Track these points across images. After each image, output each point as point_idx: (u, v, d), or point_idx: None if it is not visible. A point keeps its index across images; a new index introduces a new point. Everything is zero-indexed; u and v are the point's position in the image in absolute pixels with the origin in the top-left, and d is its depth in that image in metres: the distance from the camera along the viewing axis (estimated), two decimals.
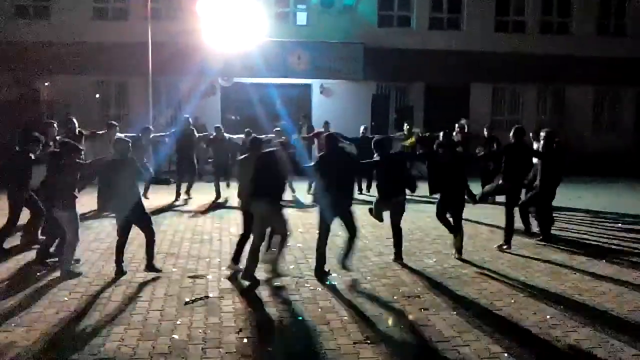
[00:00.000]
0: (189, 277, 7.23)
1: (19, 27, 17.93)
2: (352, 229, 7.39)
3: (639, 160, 19.13)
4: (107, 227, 10.00)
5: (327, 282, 7.07)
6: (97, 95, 18.98)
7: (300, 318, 5.92)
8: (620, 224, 11.03)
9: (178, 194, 12.91)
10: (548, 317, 6.02)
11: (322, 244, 7.38)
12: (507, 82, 20.75)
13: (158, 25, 16.48)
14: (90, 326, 5.57)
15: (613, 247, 9.21)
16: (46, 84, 18.34)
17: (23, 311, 5.93)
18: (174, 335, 5.39)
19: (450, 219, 8.24)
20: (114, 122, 12.30)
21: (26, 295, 6.40)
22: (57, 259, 7.53)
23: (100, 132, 11.88)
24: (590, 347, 5.28)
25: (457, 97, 20.29)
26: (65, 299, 6.33)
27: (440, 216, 8.26)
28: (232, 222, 10.22)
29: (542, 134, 9.55)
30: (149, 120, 15.75)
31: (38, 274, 7.22)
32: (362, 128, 14.50)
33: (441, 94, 20.03)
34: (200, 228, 10.11)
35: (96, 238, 9.19)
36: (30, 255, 7.92)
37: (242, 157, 8.12)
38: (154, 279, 7.07)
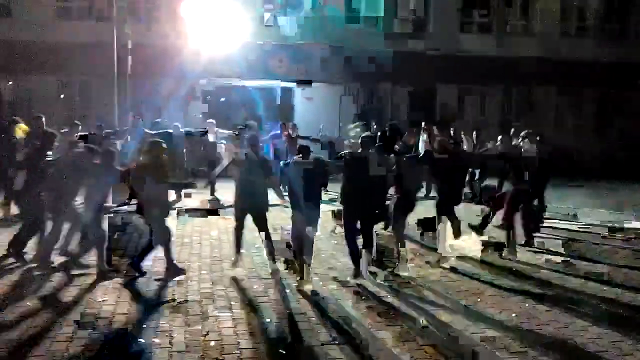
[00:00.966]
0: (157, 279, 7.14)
1: None
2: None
3: (600, 161, 19.58)
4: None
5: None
6: (61, 96, 18.63)
7: (268, 320, 5.91)
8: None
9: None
10: (513, 315, 6.12)
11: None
12: (472, 84, 21.02)
13: (138, 26, 16.27)
14: (52, 331, 5.47)
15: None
16: (9, 83, 17.96)
17: None
18: (141, 339, 5.34)
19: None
20: (76, 122, 12.16)
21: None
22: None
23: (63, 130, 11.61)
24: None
25: (424, 98, 20.50)
26: (28, 303, 6.21)
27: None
28: (213, 226, 10.11)
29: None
30: (114, 121, 15.51)
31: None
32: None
33: (409, 95, 20.24)
34: (180, 231, 9.67)
35: None
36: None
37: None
38: (120, 283, 6.96)
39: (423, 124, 13.00)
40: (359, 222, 7.35)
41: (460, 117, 20.60)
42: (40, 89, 17.76)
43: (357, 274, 7.20)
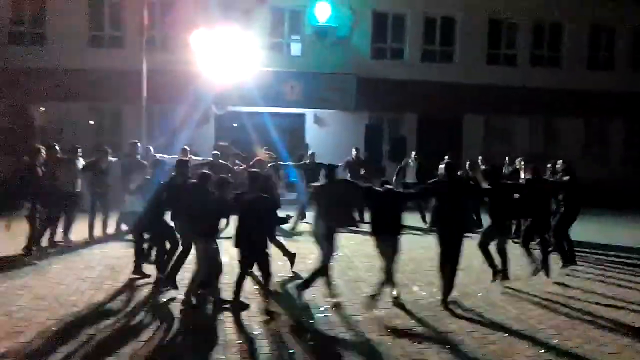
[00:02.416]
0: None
1: (13, 53, 17.94)
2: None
3: (626, 192, 19.24)
4: (98, 254, 9.94)
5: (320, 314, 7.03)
6: (91, 122, 18.97)
7: (292, 351, 5.86)
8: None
9: None
10: (541, 351, 5.98)
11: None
12: (499, 114, 20.98)
13: (153, 53, 16.56)
14: (79, 357, 5.50)
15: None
16: (41, 109, 18.35)
17: (10, 341, 5.84)
18: None
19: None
20: (106, 148, 12.22)
21: (13, 325, 6.30)
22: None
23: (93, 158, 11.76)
24: None
25: (450, 129, 20.49)
26: (54, 329, 6.24)
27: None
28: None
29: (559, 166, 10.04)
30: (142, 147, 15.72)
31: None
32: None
33: (434, 126, 20.22)
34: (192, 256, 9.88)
35: (87, 266, 9.09)
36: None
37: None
38: (145, 310, 6.98)
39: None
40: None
41: (487, 148, 20.53)
42: (71, 115, 18.09)
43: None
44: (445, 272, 7.57)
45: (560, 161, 10.42)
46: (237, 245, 7.06)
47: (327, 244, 7.46)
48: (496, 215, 8.38)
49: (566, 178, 9.68)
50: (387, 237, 7.42)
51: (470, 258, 10.12)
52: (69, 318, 6.61)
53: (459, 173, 8.83)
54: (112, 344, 5.87)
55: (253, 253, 7.13)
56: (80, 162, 11.24)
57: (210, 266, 7.19)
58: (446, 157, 14.36)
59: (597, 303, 7.80)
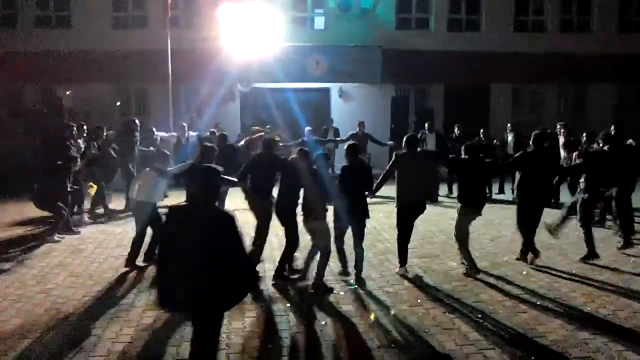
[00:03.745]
0: None
1: (39, 37, 18.16)
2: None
3: None
4: (130, 232, 10.06)
5: (350, 286, 7.06)
6: (118, 103, 19.16)
7: (324, 322, 5.90)
8: None
9: None
10: (574, 319, 5.93)
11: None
12: (527, 83, 20.60)
13: (177, 32, 16.59)
14: (114, 332, 5.60)
15: None
16: (67, 92, 18.57)
17: (48, 317, 6.00)
18: None
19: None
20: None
21: (51, 302, 6.46)
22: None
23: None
24: (618, 349, 5.19)
25: (477, 99, 20.21)
26: (90, 305, 6.37)
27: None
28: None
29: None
30: (169, 127, 15.87)
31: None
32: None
33: (461, 96, 19.95)
34: None
35: (119, 244, 9.24)
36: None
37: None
38: None
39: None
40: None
41: (515, 117, 20.22)
42: (97, 96, 18.30)
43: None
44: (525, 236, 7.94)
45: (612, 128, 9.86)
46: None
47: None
48: (591, 185, 8.28)
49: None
50: (475, 209, 7.61)
51: (500, 228, 10.12)
52: (104, 295, 6.75)
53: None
54: (147, 318, 5.98)
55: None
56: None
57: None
58: (481, 132, 14.37)
59: (630, 272, 7.69)
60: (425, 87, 20.28)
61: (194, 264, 3.75)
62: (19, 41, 17.93)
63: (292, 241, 7.37)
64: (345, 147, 7.53)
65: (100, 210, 11.43)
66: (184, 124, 14.65)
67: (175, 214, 4.04)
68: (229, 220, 3.85)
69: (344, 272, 7.50)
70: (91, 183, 11.02)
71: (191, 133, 14.54)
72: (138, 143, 12.40)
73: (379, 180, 7.60)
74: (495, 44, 19.50)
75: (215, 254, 3.74)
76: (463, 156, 7.88)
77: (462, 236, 7.62)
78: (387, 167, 7.75)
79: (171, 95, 15.89)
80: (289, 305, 6.43)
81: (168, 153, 8.53)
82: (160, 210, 7.91)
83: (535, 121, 19.69)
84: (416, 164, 7.59)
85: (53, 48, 17.79)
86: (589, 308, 6.27)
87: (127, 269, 7.77)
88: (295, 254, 7.57)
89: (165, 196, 12.39)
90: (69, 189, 9.77)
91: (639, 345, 5.27)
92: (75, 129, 11.20)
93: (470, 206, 7.61)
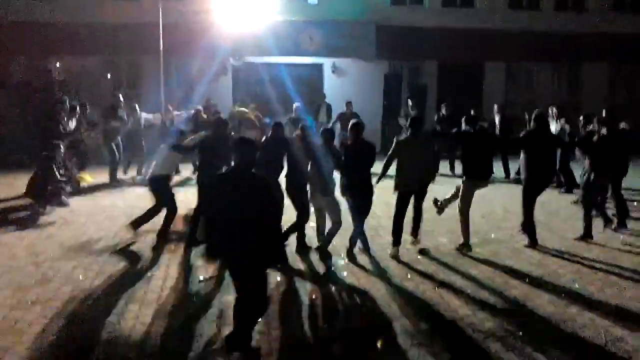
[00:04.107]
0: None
1: (30, 7, 17.87)
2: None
3: None
4: (120, 205, 10.07)
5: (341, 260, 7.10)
6: (108, 76, 18.95)
7: (314, 296, 5.93)
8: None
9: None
10: (562, 295, 5.98)
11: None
12: (521, 61, 20.51)
13: (169, 4, 16.35)
14: (104, 304, 5.60)
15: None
16: (57, 64, 18.33)
17: (39, 289, 5.98)
18: (189, 313, 5.41)
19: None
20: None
21: (42, 274, 6.44)
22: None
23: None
24: (605, 325, 5.25)
25: (471, 76, 20.14)
26: (80, 277, 6.36)
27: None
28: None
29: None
30: (160, 101, 15.75)
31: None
32: None
33: (455, 73, 19.86)
34: None
35: (109, 216, 9.23)
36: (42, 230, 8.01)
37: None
38: (168, 258, 7.10)
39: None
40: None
41: (508, 95, 20.21)
42: (88, 69, 18.07)
43: None
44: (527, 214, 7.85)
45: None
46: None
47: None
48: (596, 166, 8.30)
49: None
50: (482, 181, 7.72)
51: (493, 205, 10.16)
52: (95, 266, 6.74)
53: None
54: (137, 290, 5.99)
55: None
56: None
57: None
58: (471, 112, 14.30)
59: (618, 249, 7.77)
60: (418, 63, 20.13)
61: (236, 224, 4.33)
62: (7, 12, 17.62)
63: (301, 214, 7.45)
64: (350, 126, 7.51)
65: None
66: (170, 107, 14.31)
67: (222, 179, 4.76)
68: (264, 186, 4.48)
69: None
70: (81, 175, 10.89)
71: (176, 112, 14.30)
72: (124, 119, 12.45)
73: (382, 169, 7.53)
74: (490, 21, 19.37)
75: (252, 215, 4.29)
76: (464, 129, 7.90)
77: (466, 209, 7.65)
78: (389, 153, 7.57)
79: (162, 69, 15.72)
80: (277, 279, 6.45)
81: (183, 129, 8.57)
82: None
83: (529, 100, 19.69)
84: (418, 147, 7.42)
85: (42, 19, 17.51)
86: (577, 285, 6.33)
87: (117, 240, 7.76)
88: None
89: (177, 172, 12.48)
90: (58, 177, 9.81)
91: (624, 322, 5.33)
92: (67, 104, 10.94)
93: (477, 179, 7.67)
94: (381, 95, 18.66)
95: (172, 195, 8.14)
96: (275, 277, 6.35)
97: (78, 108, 11.08)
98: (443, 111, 14.67)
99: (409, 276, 6.58)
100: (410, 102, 16.02)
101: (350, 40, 18.42)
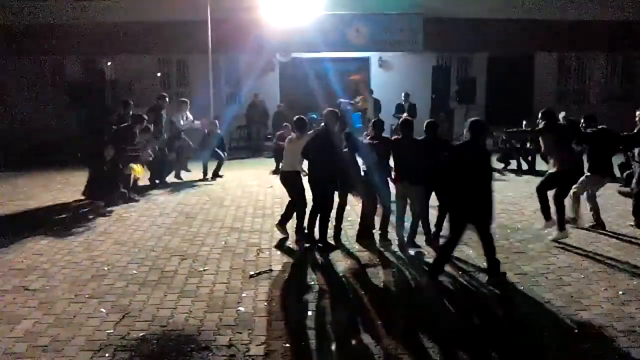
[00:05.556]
0: (254, 250, 7.34)
1: (81, 8, 18.33)
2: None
3: None
4: (172, 202, 10.26)
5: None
6: (158, 74, 19.30)
7: (362, 289, 5.91)
8: None
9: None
10: (620, 292, 5.80)
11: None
12: (573, 51, 19.95)
13: (217, 2, 16.54)
14: (158, 298, 5.71)
15: None
16: (109, 63, 18.77)
17: (94, 282, 6.14)
18: (239, 308, 5.47)
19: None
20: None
21: (97, 269, 6.62)
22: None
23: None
24: None
25: (521, 68, 19.69)
26: (134, 272, 6.51)
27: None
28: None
29: None
30: (209, 98, 15.96)
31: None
32: None
33: (504, 65, 19.46)
34: (262, 203, 10.22)
35: (162, 213, 9.42)
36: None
37: None
38: (219, 253, 7.20)
39: None
40: None
41: (560, 87, 19.70)
42: (138, 68, 18.45)
43: None
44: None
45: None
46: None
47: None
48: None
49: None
50: (607, 178, 8.33)
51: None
52: (148, 262, 6.88)
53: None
54: (189, 284, 6.09)
55: None
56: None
57: None
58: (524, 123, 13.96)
59: None
60: (467, 55, 19.83)
61: None
62: (61, 13, 18.13)
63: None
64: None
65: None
66: (216, 121, 14.06)
67: None
68: None
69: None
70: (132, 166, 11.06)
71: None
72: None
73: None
74: (540, 11, 18.89)
75: None
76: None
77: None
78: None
79: (211, 66, 15.93)
80: (328, 272, 6.47)
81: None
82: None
83: (580, 91, 19.18)
84: (412, 150, 7.28)
85: (94, 20, 17.95)
86: (635, 281, 6.11)
87: (169, 237, 7.91)
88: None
89: (188, 170, 12.69)
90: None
91: None
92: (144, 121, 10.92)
93: (605, 175, 8.15)
94: (429, 88, 18.41)
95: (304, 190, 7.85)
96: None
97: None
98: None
99: (459, 273, 6.49)
100: (403, 96, 15.79)
101: (397, 33, 18.30)
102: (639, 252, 7.17)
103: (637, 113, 8.61)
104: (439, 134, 7.67)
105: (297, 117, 8.13)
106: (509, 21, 18.64)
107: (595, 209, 8.26)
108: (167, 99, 12.65)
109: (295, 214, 7.77)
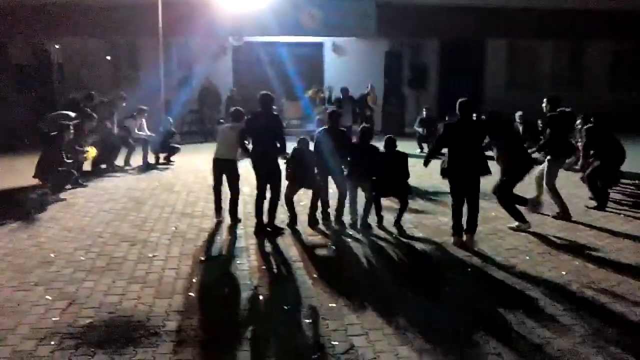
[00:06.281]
0: (204, 236, 7.28)
1: None
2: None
3: None
4: (122, 188, 10.08)
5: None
6: (108, 57, 18.86)
7: (315, 276, 5.93)
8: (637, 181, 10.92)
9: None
10: (564, 273, 5.98)
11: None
12: (523, 38, 20.35)
13: None
14: (106, 285, 5.61)
15: (630, 202, 9.16)
16: (56, 46, 18.24)
17: (41, 269, 6.00)
18: (190, 293, 5.42)
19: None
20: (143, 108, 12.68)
21: (43, 256, 6.46)
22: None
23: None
24: (607, 302, 5.25)
25: (473, 54, 20.00)
26: (82, 258, 6.38)
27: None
28: (245, 183, 10.19)
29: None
30: (159, 81, 15.68)
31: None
32: None
33: (456, 51, 19.72)
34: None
35: (110, 198, 9.24)
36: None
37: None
38: (169, 239, 7.12)
39: None
40: None
41: (510, 73, 20.10)
42: (87, 50, 17.99)
43: None
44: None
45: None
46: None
47: None
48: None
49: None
50: (564, 158, 8.64)
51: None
52: (96, 248, 6.75)
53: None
54: (138, 270, 6.00)
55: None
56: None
57: None
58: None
59: (617, 228, 7.77)
60: (419, 41, 20.01)
61: None
62: None
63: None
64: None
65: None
66: (169, 119, 13.59)
67: None
68: None
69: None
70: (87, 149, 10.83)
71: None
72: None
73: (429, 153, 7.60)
74: None
75: None
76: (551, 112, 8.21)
77: (553, 185, 8.16)
78: (438, 139, 7.41)
79: (162, 50, 15.64)
80: (279, 258, 6.48)
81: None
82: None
83: (531, 78, 19.61)
84: (470, 133, 7.06)
85: (42, 1, 17.36)
86: (577, 262, 6.32)
87: (118, 222, 7.78)
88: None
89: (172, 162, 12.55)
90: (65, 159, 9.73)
91: None
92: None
93: (562, 156, 8.34)
94: (382, 74, 18.55)
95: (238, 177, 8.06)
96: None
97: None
98: (424, 114, 15.05)
99: (405, 254, 6.59)
100: (369, 85, 15.96)
101: (350, 18, 18.31)
102: (581, 234, 7.42)
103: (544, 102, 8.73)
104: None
105: (234, 109, 8.41)
106: (461, 8, 18.86)
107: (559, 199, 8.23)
108: (124, 101, 12.37)
109: (229, 198, 7.88)
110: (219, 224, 7.87)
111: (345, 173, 7.85)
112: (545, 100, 8.45)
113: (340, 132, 8.04)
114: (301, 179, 7.77)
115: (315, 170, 7.85)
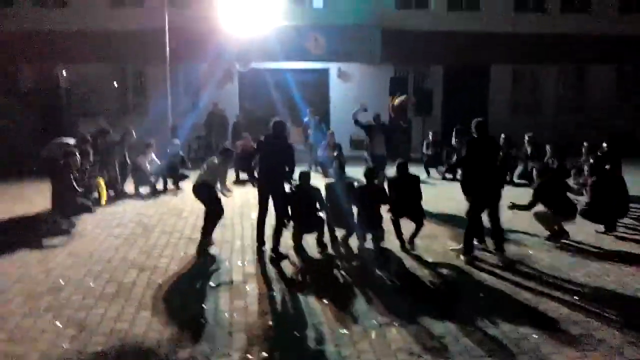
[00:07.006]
0: (213, 262, 7.28)
1: (37, 15, 17.97)
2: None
3: None
4: (130, 213, 10.09)
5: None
6: (115, 83, 19.02)
7: (325, 301, 5.90)
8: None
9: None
10: (576, 297, 5.95)
11: None
12: (527, 63, 20.47)
13: (175, 11, 16.42)
14: (116, 311, 5.60)
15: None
16: (64, 72, 18.42)
17: (50, 296, 5.99)
18: (200, 320, 5.40)
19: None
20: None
21: (52, 282, 6.45)
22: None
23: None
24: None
25: (477, 80, 20.11)
26: (91, 284, 6.37)
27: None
28: (253, 208, 10.19)
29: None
30: (167, 107, 15.79)
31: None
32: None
33: (461, 77, 19.83)
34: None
35: (119, 224, 9.25)
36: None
37: None
38: (177, 265, 7.11)
39: None
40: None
41: (515, 98, 20.19)
42: (95, 76, 18.14)
43: None
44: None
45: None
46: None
47: None
48: None
49: None
50: None
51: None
52: (105, 274, 6.74)
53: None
54: (147, 297, 5.99)
55: None
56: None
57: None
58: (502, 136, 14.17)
59: (628, 253, 7.73)
60: (424, 67, 20.14)
61: None
62: (16, 20, 17.71)
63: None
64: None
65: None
66: (177, 141, 13.45)
67: None
68: None
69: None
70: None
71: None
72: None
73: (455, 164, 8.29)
74: (496, 24, 19.36)
75: None
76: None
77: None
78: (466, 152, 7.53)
79: (169, 76, 15.78)
80: (288, 284, 6.46)
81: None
82: None
83: (535, 102, 19.68)
84: (489, 149, 7.43)
85: (50, 27, 17.59)
86: (587, 289, 6.29)
87: (126, 248, 7.78)
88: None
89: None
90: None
91: None
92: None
93: None
94: (387, 99, 18.59)
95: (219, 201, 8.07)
96: None
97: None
98: (430, 138, 15.14)
99: (418, 277, 6.58)
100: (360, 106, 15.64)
101: (355, 44, 18.47)
102: (593, 259, 7.39)
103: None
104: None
105: (224, 147, 8.83)
106: (465, 34, 19.01)
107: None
108: (132, 136, 12.33)
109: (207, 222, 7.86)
110: (226, 249, 7.84)
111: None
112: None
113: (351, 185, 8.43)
114: (307, 225, 7.79)
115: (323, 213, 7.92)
